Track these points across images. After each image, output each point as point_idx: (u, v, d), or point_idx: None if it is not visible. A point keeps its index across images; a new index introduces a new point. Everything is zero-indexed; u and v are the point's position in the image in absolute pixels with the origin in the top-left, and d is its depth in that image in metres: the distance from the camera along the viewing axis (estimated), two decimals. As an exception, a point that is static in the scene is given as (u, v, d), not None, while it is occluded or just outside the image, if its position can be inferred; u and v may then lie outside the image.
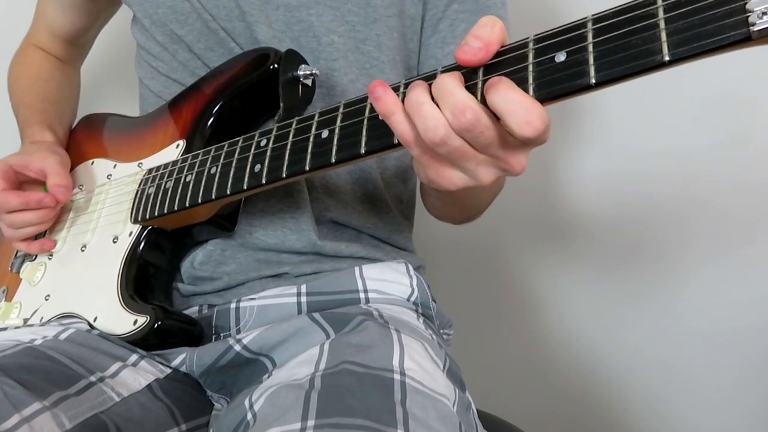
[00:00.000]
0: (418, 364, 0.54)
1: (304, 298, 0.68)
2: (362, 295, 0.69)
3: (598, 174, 1.15)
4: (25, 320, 0.73)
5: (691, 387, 1.19)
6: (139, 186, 0.71)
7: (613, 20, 0.40)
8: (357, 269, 0.71)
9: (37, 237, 0.78)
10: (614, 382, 1.23)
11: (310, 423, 0.45)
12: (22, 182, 0.76)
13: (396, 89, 0.49)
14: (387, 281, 0.70)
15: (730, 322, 1.14)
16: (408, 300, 0.71)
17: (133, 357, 0.61)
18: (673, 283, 1.16)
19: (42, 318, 0.72)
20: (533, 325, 1.26)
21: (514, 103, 0.41)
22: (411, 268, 0.73)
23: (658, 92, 1.07)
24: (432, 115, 0.44)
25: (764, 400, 1.15)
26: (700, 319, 1.16)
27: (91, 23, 0.94)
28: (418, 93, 0.45)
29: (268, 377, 0.58)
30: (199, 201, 0.64)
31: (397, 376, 0.51)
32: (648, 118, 1.10)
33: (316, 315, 0.62)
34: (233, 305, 0.69)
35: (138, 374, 0.60)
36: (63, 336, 0.61)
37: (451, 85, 0.44)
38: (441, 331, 0.74)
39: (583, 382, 1.24)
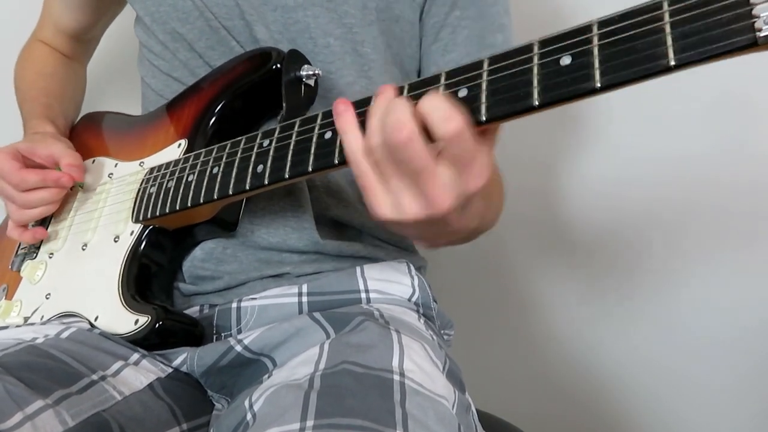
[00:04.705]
0: (418, 365, 0.54)
1: (305, 298, 0.68)
2: (363, 295, 0.69)
3: (599, 176, 1.15)
4: (26, 319, 0.73)
5: (691, 388, 1.19)
6: (141, 185, 0.71)
7: (619, 24, 0.40)
8: (358, 269, 0.70)
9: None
10: (614, 383, 1.23)
11: (309, 423, 0.45)
12: (27, 167, 0.76)
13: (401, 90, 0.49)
14: (388, 281, 0.70)
15: (731, 324, 1.14)
16: (409, 300, 0.71)
17: (135, 356, 0.62)
18: (673, 284, 1.16)
19: (42, 317, 0.72)
20: (534, 325, 1.26)
21: (437, 104, 0.43)
22: (412, 268, 0.73)
23: (658, 94, 1.06)
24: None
25: (765, 403, 1.15)
26: (701, 321, 1.15)
27: (95, 20, 0.94)
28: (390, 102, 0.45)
29: (269, 377, 0.58)
30: (201, 201, 0.63)
31: (396, 377, 0.51)
32: (648, 120, 1.10)
33: (317, 314, 0.62)
34: (234, 305, 0.69)
35: (139, 373, 0.60)
36: (65, 335, 0.61)
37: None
38: (442, 331, 0.74)
39: (583, 383, 1.24)
